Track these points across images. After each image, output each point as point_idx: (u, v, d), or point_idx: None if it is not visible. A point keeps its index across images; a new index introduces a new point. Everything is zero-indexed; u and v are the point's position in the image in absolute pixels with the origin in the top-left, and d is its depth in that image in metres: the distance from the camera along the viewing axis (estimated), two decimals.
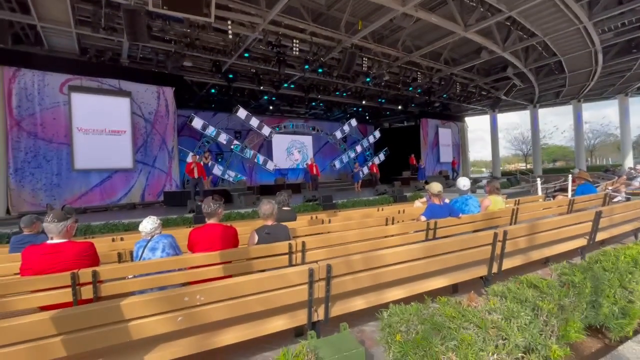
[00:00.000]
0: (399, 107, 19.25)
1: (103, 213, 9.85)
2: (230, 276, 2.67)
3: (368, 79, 14.37)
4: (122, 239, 4.42)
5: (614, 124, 37.92)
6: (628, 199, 6.25)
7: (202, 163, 12.39)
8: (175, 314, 1.70)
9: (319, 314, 2.15)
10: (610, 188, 7.91)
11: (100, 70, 10.72)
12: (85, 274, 2.27)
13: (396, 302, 1.93)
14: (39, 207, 9.19)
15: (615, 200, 6.58)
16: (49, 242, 2.34)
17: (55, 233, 2.32)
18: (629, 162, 18.72)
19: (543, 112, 24.52)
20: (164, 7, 6.80)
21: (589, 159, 38.97)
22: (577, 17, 9.70)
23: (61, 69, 10.04)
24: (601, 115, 58.28)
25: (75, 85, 10.23)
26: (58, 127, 9.95)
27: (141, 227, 2.89)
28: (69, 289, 2.22)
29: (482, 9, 9.33)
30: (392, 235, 3.66)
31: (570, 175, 8.96)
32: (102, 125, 10.64)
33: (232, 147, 16.98)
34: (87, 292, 2.29)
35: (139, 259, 2.77)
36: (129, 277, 2.56)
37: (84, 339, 1.52)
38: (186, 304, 1.72)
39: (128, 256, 3.40)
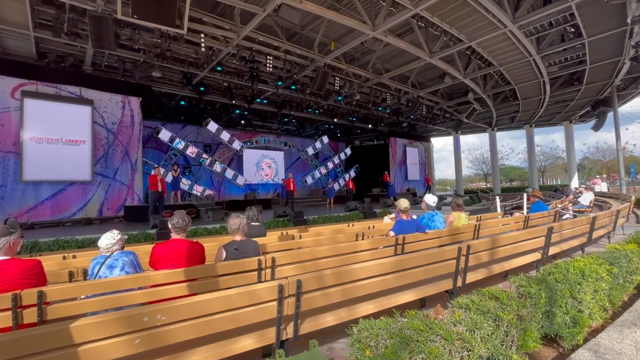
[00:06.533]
0: (369, 126, 19.91)
1: (54, 229, 9.02)
2: (195, 295, 2.54)
3: (340, 98, 14.78)
4: (74, 257, 4.06)
5: (561, 148, 41.78)
6: (575, 217, 6.81)
7: (171, 177, 11.93)
8: (132, 336, 1.57)
9: (288, 332, 2.10)
10: (559, 206, 8.58)
11: (60, 76, 10.05)
12: (29, 294, 2.04)
13: (366, 317, 1.93)
14: None
15: (564, 217, 7.15)
16: None
17: None
18: (574, 182, 20.53)
19: (500, 135, 26.51)
20: (134, 16, 6.62)
21: (540, 179, 42.22)
22: (528, 51, 10.77)
23: (14, 73, 9.33)
24: (550, 139, 64.25)
25: (29, 90, 9.53)
26: (6, 135, 9.15)
27: (99, 242, 2.69)
28: (9, 312, 1.99)
29: (445, 38, 10.10)
30: (363, 251, 3.69)
31: (525, 194, 9.64)
32: (59, 134, 9.93)
33: (200, 160, 16.56)
34: (30, 316, 2.06)
35: (94, 277, 2.56)
36: (81, 297, 2.34)
37: None
38: (145, 325, 1.61)
39: (81, 275, 3.13)
